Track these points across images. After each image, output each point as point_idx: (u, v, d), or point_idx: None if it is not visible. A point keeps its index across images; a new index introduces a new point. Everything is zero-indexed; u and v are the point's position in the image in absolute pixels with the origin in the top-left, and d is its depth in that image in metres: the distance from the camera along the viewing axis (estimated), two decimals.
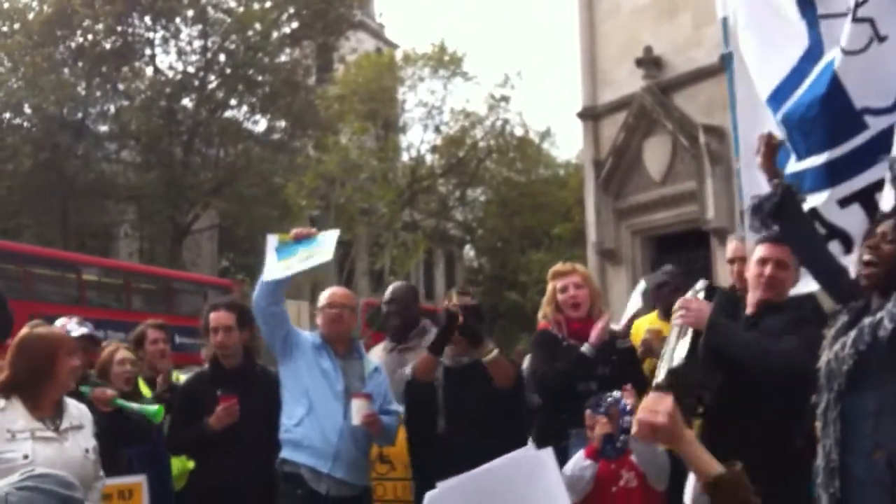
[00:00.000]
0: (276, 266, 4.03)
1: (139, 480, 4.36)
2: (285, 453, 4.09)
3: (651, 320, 5.40)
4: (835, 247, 3.94)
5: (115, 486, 4.18)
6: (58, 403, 3.42)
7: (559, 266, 4.62)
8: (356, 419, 4.00)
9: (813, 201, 3.96)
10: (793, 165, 4.13)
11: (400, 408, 4.42)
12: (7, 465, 3.11)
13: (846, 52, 3.88)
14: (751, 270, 3.60)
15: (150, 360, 5.28)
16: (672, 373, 3.21)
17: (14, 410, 3.29)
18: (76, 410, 3.49)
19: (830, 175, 3.92)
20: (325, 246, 4.05)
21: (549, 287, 4.52)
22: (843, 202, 3.88)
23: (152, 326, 5.42)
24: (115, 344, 5.00)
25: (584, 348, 4.25)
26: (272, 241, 4.11)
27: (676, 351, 3.29)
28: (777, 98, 4.25)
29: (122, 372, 4.74)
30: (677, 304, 3.46)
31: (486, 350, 4.13)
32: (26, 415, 3.29)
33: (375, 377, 4.32)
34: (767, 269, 3.50)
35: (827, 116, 3.93)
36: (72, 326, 4.70)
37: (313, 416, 4.05)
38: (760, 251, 3.58)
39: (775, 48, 4.27)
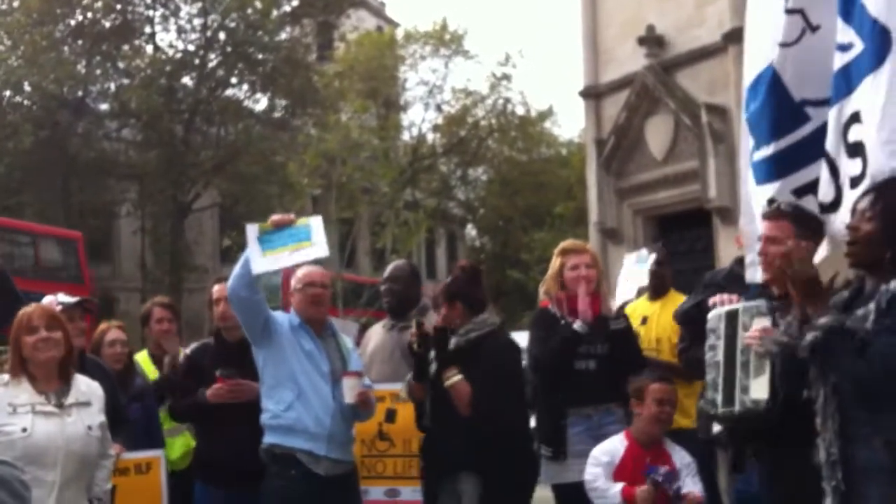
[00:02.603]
0: (262, 258, 3.90)
1: (157, 455, 4.38)
2: (275, 439, 4.03)
3: (642, 304, 5.45)
4: None
5: (132, 459, 4.20)
6: (64, 379, 3.46)
7: (570, 243, 4.55)
8: (349, 398, 3.99)
9: (770, 191, 3.94)
10: (756, 154, 4.13)
11: (371, 383, 4.39)
12: (6, 437, 3.22)
13: (781, 45, 3.86)
14: None
15: (156, 339, 5.28)
16: (753, 408, 3.13)
17: (18, 385, 3.37)
18: (85, 387, 3.53)
19: (779, 166, 3.89)
20: (314, 237, 3.92)
21: (556, 263, 4.42)
22: (798, 193, 3.86)
23: (158, 305, 5.34)
24: (107, 324, 4.96)
25: (577, 325, 4.19)
26: (252, 231, 3.96)
27: (753, 385, 3.13)
28: (755, 88, 4.22)
29: (112, 353, 4.75)
30: (756, 332, 3.14)
31: (448, 374, 4.04)
32: (30, 390, 3.37)
33: (353, 354, 4.32)
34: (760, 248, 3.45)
35: (770, 108, 3.92)
36: (49, 299, 4.67)
37: (304, 399, 4.00)
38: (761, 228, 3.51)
39: (764, 39, 4.26)
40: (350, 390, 4.00)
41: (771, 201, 3.87)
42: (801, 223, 3.44)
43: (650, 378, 3.97)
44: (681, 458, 3.93)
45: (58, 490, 3.27)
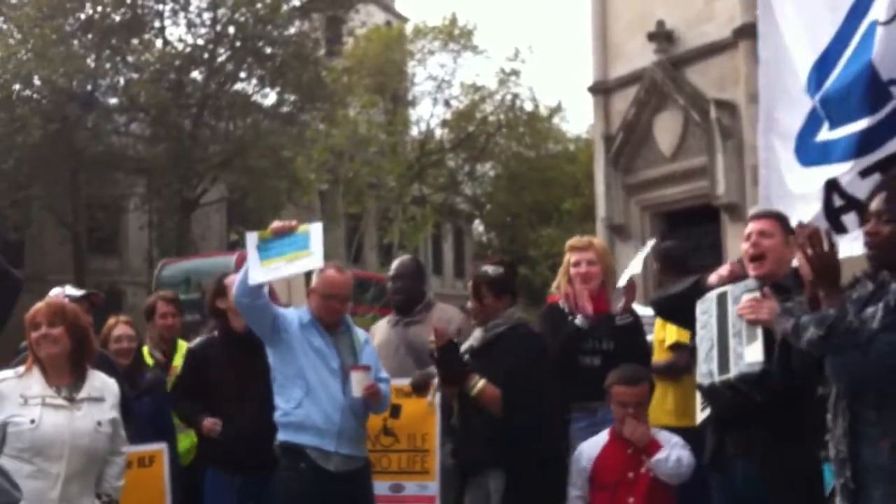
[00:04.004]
0: (260, 267, 3.89)
1: (160, 448, 4.38)
2: (286, 436, 4.04)
3: None
4: (850, 219, 3.92)
5: (136, 453, 4.19)
6: (78, 373, 3.48)
7: (576, 240, 4.63)
8: (357, 391, 3.99)
9: (835, 171, 3.92)
10: (825, 133, 4.10)
11: (388, 376, 4.40)
12: (16, 428, 3.29)
13: (880, 24, 3.87)
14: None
15: (160, 333, 5.30)
16: (749, 371, 3.14)
17: (31, 377, 3.42)
18: (100, 383, 3.55)
19: (860, 145, 3.89)
20: (312, 245, 3.88)
21: (565, 258, 4.54)
22: (865, 172, 3.85)
23: (163, 299, 5.38)
24: (115, 318, 4.98)
25: (578, 320, 4.23)
26: (251, 239, 3.96)
27: (747, 350, 3.18)
28: (825, 64, 4.19)
29: (118, 348, 4.77)
30: (747, 302, 3.23)
31: (471, 384, 3.96)
32: (42, 382, 3.41)
33: (366, 348, 4.30)
34: (750, 242, 3.44)
35: (859, 85, 3.93)
36: (56, 291, 4.67)
37: (313, 396, 4.01)
38: (748, 228, 3.52)
39: (820, 12, 4.22)
40: (357, 384, 3.99)
41: (830, 182, 3.84)
42: (787, 224, 3.49)
43: (614, 378, 3.94)
44: (667, 439, 3.91)
45: (62, 483, 3.29)
